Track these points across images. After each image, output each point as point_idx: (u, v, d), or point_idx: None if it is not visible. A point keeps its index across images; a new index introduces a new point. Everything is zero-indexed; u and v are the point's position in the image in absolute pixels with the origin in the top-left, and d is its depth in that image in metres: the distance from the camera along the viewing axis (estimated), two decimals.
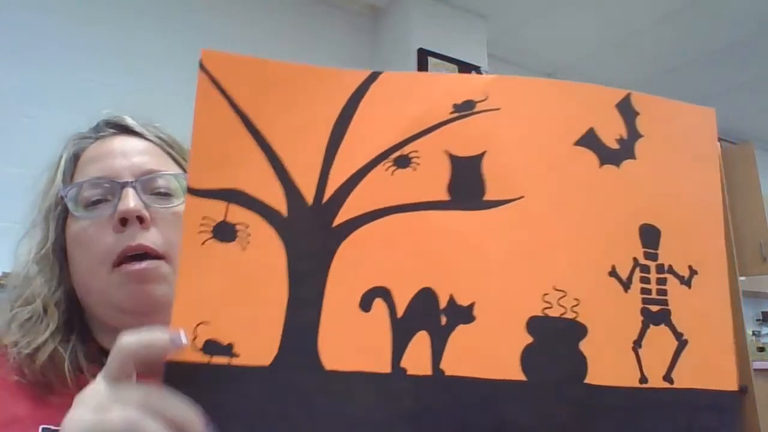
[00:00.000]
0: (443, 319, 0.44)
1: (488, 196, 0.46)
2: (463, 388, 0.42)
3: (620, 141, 0.49)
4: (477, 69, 2.73)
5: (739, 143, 3.88)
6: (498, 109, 0.48)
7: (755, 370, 2.49)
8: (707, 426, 0.45)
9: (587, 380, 0.43)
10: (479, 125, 0.48)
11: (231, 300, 0.43)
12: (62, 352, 0.57)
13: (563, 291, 0.45)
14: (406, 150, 0.47)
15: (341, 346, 0.43)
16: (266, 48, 2.44)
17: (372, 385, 0.42)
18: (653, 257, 0.47)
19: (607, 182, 0.48)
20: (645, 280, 0.47)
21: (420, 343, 0.43)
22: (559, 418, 0.43)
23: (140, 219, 0.59)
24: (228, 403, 0.41)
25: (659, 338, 0.45)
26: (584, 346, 0.44)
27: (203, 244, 0.44)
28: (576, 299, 0.45)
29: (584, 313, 0.45)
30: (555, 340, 0.44)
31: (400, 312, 0.44)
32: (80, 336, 0.61)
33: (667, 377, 0.45)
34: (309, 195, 0.46)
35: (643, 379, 0.44)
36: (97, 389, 0.40)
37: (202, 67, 0.46)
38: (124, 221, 0.58)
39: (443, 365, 0.43)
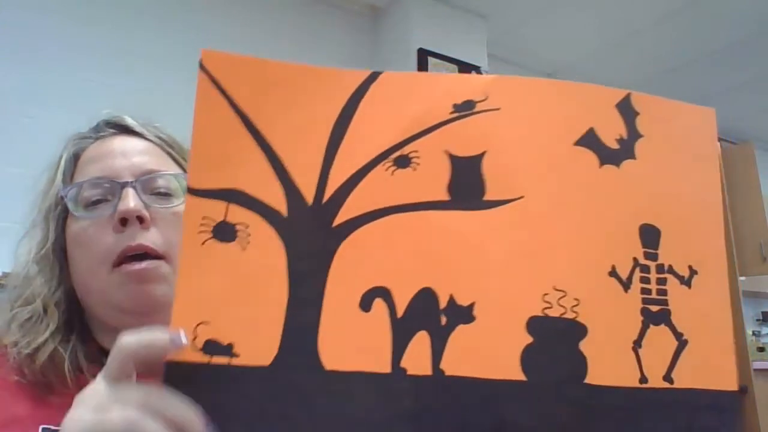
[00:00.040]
0: (443, 319, 0.44)
1: (488, 196, 0.46)
2: (463, 388, 0.42)
3: (620, 141, 0.49)
4: (477, 69, 2.73)
5: (739, 143, 3.88)
6: (498, 109, 0.48)
7: (755, 370, 2.49)
8: (707, 426, 0.45)
9: (587, 380, 0.43)
10: (479, 125, 0.48)
11: (231, 300, 0.43)
12: (62, 352, 0.57)
13: (563, 291, 0.45)
14: (406, 150, 0.47)
15: (341, 346, 0.43)
16: (266, 48, 2.44)
17: (372, 385, 0.42)
18: (653, 257, 0.47)
19: (607, 182, 0.48)
20: (645, 280, 0.46)
21: (420, 343, 0.43)
22: (559, 418, 0.43)
23: (140, 219, 0.59)
24: (228, 403, 0.41)
25: (659, 338, 0.45)
26: (584, 346, 0.44)
27: (203, 244, 0.44)
28: (576, 299, 0.45)
29: (584, 313, 0.45)
30: (555, 340, 0.44)
31: (400, 312, 0.44)
32: (80, 336, 0.61)
33: (667, 377, 0.45)
34: (309, 195, 0.46)
35: (643, 379, 0.44)
36: (97, 389, 0.40)
37: (202, 67, 0.46)
38: (124, 221, 0.58)
39: (443, 365, 0.43)
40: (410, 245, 0.45)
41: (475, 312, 0.44)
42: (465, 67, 2.70)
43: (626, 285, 0.46)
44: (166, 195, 0.62)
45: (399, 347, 0.43)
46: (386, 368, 0.42)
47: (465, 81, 0.51)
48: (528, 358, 0.43)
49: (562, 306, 0.44)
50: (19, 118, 1.93)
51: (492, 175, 0.47)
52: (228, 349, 0.42)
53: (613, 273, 0.46)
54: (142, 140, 0.66)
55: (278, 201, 0.45)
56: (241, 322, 0.43)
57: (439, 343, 0.43)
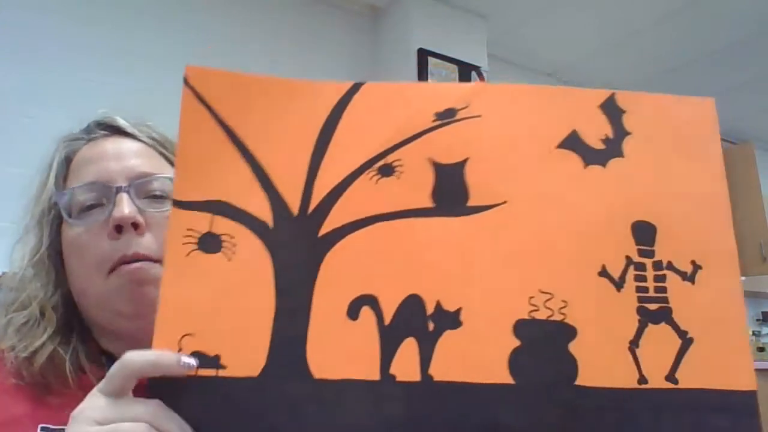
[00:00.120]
0: (431, 325, 0.44)
1: (472, 202, 0.47)
2: (453, 393, 0.43)
3: (606, 141, 0.49)
4: (477, 69, 2.73)
5: (739, 143, 3.88)
6: (479, 116, 0.49)
7: (755, 370, 2.49)
8: (719, 429, 0.43)
9: (578, 382, 0.43)
10: (461, 132, 0.48)
11: (217, 311, 0.44)
12: (62, 353, 0.57)
13: (550, 293, 0.45)
14: (389, 159, 0.47)
15: (330, 355, 0.43)
16: (266, 48, 2.44)
17: (362, 393, 0.43)
18: (649, 254, 0.47)
19: (592, 182, 0.48)
20: (640, 278, 0.46)
21: (408, 350, 0.43)
22: (549, 420, 0.43)
23: (135, 225, 0.58)
24: (216, 415, 0.42)
25: (660, 337, 0.45)
26: (574, 347, 0.44)
27: (188, 255, 0.44)
28: (564, 301, 0.45)
29: (573, 315, 0.44)
30: (542, 342, 0.44)
31: (387, 319, 0.44)
32: (81, 337, 0.60)
33: (671, 377, 0.44)
34: (294, 205, 0.46)
35: (643, 380, 0.44)
36: (96, 404, 0.41)
37: (186, 82, 0.47)
38: (119, 228, 0.57)
39: (432, 371, 0.43)
40: (396, 253, 0.45)
41: (462, 317, 0.44)
42: (465, 67, 2.69)
43: (619, 284, 0.46)
44: (161, 198, 0.61)
45: (387, 354, 0.43)
46: (375, 375, 0.43)
47: (446, 90, 0.52)
48: (515, 361, 0.43)
49: (549, 308, 0.44)
50: (19, 118, 1.93)
51: (475, 181, 0.47)
52: (215, 361, 0.42)
53: (603, 273, 0.46)
54: (135, 141, 0.65)
55: (264, 212, 0.46)
56: (227, 334, 0.43)
57: (427, 349, 0.43)
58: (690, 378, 0.44)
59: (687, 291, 0.46)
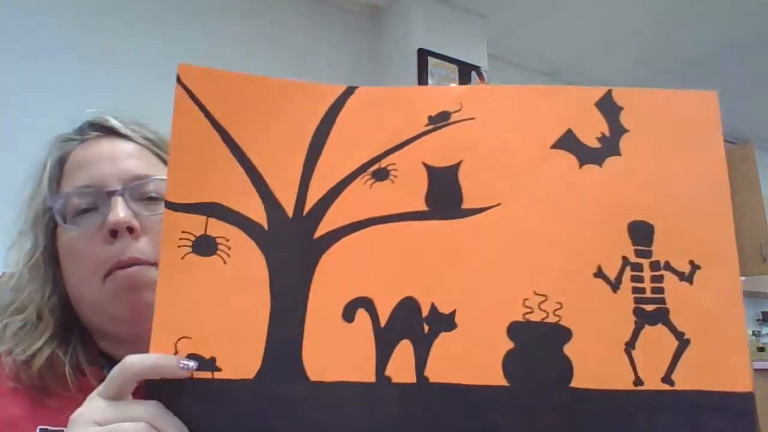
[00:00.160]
0: (426, 328, 0.44)
1: (466, 205, 0.47)
2: (448, 394, 0.43)
3: (602, 139, 0.48)
4: (477, 69, 2.73)
5: (739, 143, 3.88)
6: (473, 118, 0.49)
7: (755, 370, 2.49)
8: (715, 431, 0.42)
9: (573, 384, 0.43)
10: (454, 135, 0.48)
11: (212, 314, 0.44)
12: (61, 355, 0.57)
13: (544, 295, 0.44)
14: (383, 163, 0.47)
15: (325, 357, 0.43)
16: (266, 48, 2.44)
17: (357, 395, 0.43)
18: (646, 254, 0.46)
19: (588, 182, 0.47)
20: (637, 279, 0.45)
21: (404, 352, 0.44)
22: (544, 422, 0.43)
23: (130, 229, 0.57)
24: (212, 417, 0.42)
25: (656, 338, 0.44)
26: (569, 349, 0.44)
27: (183, 258, 0.44)
28: (558, 303, 0.44)
29: (568, 316, 0.44)
30: (536, 344, 0.44)
31: (383, 321, 0.44)
32: (80, 339, 0.60)
33: (667, 379, 0.43)
34: (289, 208, 0.46)
35: (638, 382, 0.43)
36: (96, 407, 0.41)
37: (179, 81, 0.47)
38: (114, 233, 0.57)
39: (427, 372, 0.43)
40: (391, 255, 0.46)
41: (457, 319, 0.44)
42: (465, 67, 2.69)
43: (615, 285, 0.45)
44: (157, 199, 0.61)
45: (383, 356, 0.43)
46: (371, 377, 0.43)
47: (439, 93, 0.52)
48: (509, 363, 0.43)
49: (543, 310, 0.44)
50: (19, 118, 1.93)
51: (469, 183, 0.47)
52: (210, 363, 0.43)
53: (599, 274, 0.45)
54: (129, 142, 0.64)
55: (258, 214, 0.46)
56: (223, 336, 0.43)
57: (423, 351, 0.44)
58: (686, 380, 0.43)
59: (685, 291, 0.45)
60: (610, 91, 0.49)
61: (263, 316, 0.44)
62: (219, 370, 0.43)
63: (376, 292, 0.45)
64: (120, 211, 0.57)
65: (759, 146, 3.93)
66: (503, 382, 0.43)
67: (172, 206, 0.46)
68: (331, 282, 0.45)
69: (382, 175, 0.47)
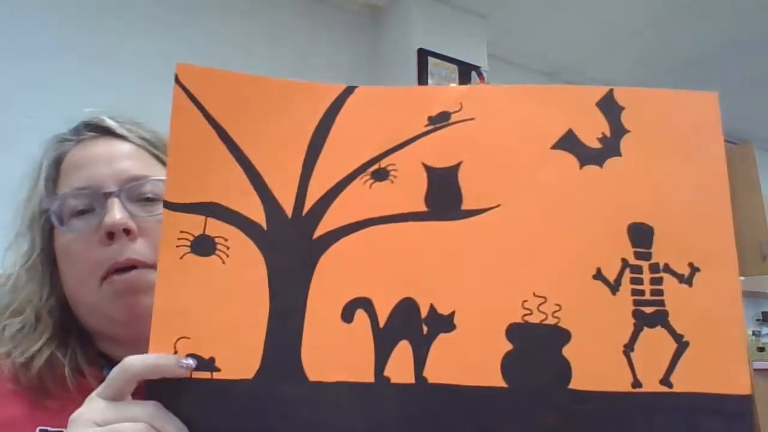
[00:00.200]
0: (424, 328, 0.44)
1: (465, 206, 0.47)
2: (446, 395, 0.43)
3: (603, 139, 0.48)
4: (477, 69, 2.72)
5: (739, 143, 3.88)
6: (472, 119, 0.48)
7: (755, 370, 2.49)
8: None
9: (572, 385, 0.43)
10: (454, 136, 0.48)
11: (211, 314, 0.44)
12: (60, 357, 0.57)
13: (543, 297, 0.44)
14: (383, 163, 0.47)
15: (324, 357, 0.43)
16: (266, 48, 2.43)
17: (356, 395, 0.43)
18: (645, 257, 0.46)
19: (588, 183, 0.47)
20: (636, 281, 0.45)
21: (402, 352, 0.44)
22: (543, 423, 0.43)
23: (127, 231, 0.57)
24: (211, 417, 0.42)
25: (655, 341, 0.44)
26: (568, 351, 0.44)
27: (182, 258, 0.44)
28: (557, 304, 0.44)
29: (567, 318, 0.44)
30: (535, 346, 0.44)
31: (381, 322, 0.44)
32: (79, 340, 0.60)
33: (665, 381, 0.43)
34: (288, 208, 0.46)
35: (637, 384, 0.43)
36: (96, 407, 0.41)
37: (177, 80, 0.46)
38: (111, 235, 0.57)
39: (426, 373, 0.43)
40: (390, 256, 0.46)
41: (456, 320, 0.44)
42: (465, 67, 2.69)
43: (614, 287, 0.45)
44: (154, 200, 0.60)
45: (382, 357, 0.44)
46: (369, 378, 0.43)
47: (439, 93, 0.52)
48: (508, 365, 0.43)
49: (542, 312, 0.44)
50: (19, 118, 1.93)
51: (468, 184, 0.47)
52: (210, 363, 0.43)
53: (598, 276, 0.45)
54: (125, 143, 0.63)
55: (257, 214, 0.46)
56: (222, 336, 0.43)
57: (421, 352, 0.44)
58: (685, 382, 0.43)
59: (684, 294, 0.45)
60: (612, 90, 0.49)
61: (262, 316, 0.44)
62: (218, 370, 0.43)
63: (375, 293, 0.45)
64: (116, 212, 0.57)
65: (759, 146, 3.92)
66: (502, 384, 0.43)
67: (170, 206, 0.46)
68: (330, 282, 0.45)
69: (381, 175, 0.47)
